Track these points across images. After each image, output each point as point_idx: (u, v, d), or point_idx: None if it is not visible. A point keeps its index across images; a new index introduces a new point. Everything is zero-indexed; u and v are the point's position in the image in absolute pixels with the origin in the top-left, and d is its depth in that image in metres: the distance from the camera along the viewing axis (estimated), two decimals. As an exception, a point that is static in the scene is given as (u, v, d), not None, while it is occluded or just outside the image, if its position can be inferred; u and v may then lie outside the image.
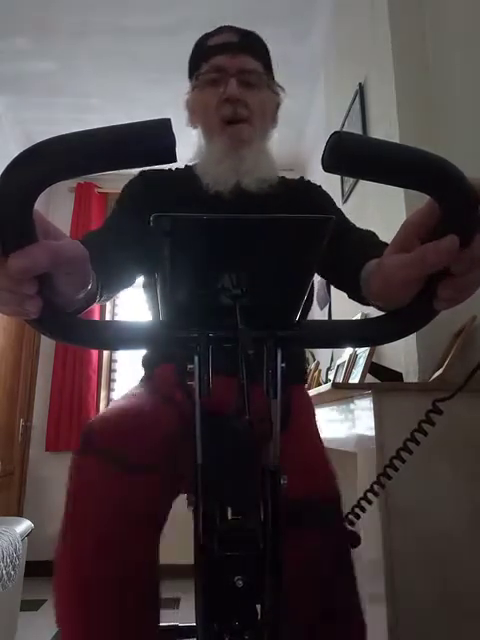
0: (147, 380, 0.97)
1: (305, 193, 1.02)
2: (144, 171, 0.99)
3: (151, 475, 0.77)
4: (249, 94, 0.94)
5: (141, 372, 1.00)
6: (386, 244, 0.51)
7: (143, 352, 1.00)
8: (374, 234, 0.86)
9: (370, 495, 0.77)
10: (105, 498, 0.75)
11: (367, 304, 0.63)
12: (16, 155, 0.36)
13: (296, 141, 3.68)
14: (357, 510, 0.80)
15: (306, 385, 1.15)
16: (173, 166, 1.01)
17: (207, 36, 0.98)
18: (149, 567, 0.78)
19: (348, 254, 0.73)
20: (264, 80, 0.97)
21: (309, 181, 1.07)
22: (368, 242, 0.80)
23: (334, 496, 0.85)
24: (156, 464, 0.77)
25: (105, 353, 3.95)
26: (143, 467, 0.76)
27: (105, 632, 0.73)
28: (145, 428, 0.80)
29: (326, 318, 2.90)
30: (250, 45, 0.96)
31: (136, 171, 0.95)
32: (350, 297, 0.80)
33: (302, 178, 1.08)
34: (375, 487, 0.77)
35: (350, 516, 0.81)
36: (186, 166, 1.00)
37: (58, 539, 0.77)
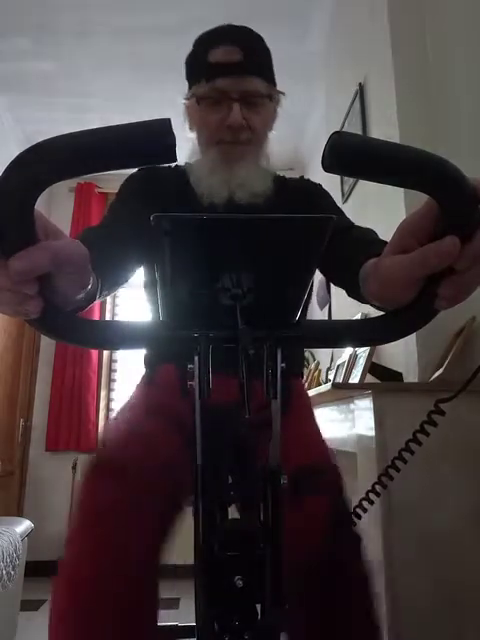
0: (148, 380, 0.97)
1: (305, 193, 1.02)
2: (143, 167, 0.98)
3: (161, 490, 0.78)
4: (253, 115, 0.91)
5: (141, 372, 1.00)
6: (385, 242, 0.51)
7: (144, 352, 1.00)
8: (373, 231, 0.85)
9: (372, 495, 0.77)
10: (114, 512, 0.76)
11: (366, 302, 0.63)
12: (16, 155, 0.36)
13: (296, 141, 3.68)
14: (358, 510, 0.80)
15: (305, 381, 1.16)
16: (172, 163, 1.00)
17: (208, 44, 0.92)
18: (151, 572, 0.78)
19: (347, 252, 0.73)
20: (266, 99, 0.93)
21: (309, 180, 1.07)
22: (367, 240, 0.80)
23: (331, 465, 0.87)
24: (165, 480, 0.78)
25: (105, 353, 3.95)
26: (152, 484, 0.78)
27: (101, 633, 0.73)
28: (154, 446, 0.83)
29: (326, 318, 2.90)
30: (253, 62, 0.90)
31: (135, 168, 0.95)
32: (349, 295, 0.80)
33: (302, 177, 1.08)
34: (377, 487, 0.76)
35: (351, 516, 0.81)
36: (187, 163, 1.00)
37: (66, 546, 0.78)
